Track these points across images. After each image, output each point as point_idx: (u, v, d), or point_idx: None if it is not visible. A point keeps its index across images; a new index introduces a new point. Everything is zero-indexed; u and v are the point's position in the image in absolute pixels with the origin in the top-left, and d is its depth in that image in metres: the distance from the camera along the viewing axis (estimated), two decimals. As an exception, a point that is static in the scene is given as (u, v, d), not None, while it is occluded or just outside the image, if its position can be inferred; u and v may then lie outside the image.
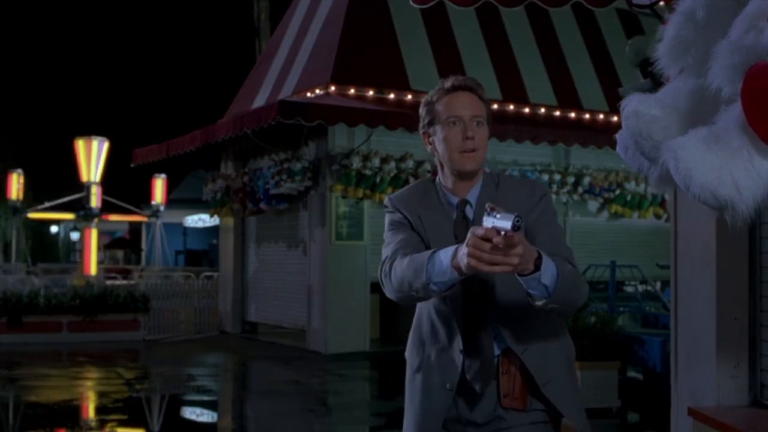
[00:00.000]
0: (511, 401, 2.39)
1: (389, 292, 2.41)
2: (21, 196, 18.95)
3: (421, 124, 2.52)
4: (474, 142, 2.39)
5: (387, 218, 2.55)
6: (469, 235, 2.05)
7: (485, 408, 2.42)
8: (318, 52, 13.82)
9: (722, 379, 4.48)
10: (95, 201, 17.59)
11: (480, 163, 2.44)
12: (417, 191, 2.55)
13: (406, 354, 2.61)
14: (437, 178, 2.54)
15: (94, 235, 17.80)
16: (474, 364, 2.39)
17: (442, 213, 2.46)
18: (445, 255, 2.19)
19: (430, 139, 2.48)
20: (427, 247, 2.39)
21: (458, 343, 2.42)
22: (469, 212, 2.45)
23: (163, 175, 19.23)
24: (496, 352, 2.41)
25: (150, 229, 20.46)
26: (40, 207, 21.50)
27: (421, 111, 2.51)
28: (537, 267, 2.11)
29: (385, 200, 2.61)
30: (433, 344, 2.48)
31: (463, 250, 2.07)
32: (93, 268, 17.71)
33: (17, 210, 19.07)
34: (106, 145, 17.91)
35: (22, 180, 18.80)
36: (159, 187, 19.52)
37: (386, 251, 2.47)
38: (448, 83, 2.45)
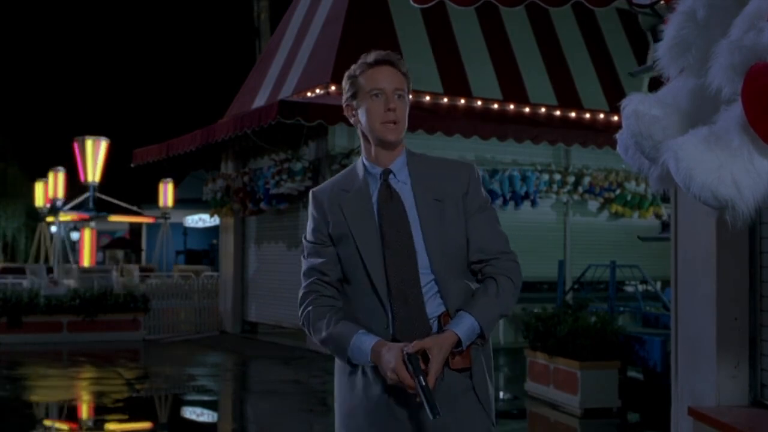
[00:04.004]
0: (460, 362, 2.41)
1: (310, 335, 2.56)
2: (63, 195, 18.83)
3: (344, 98, 2.59)
4: (395, 114, 2.48)
5: (309, 215, 2.61)
6: (390, 368, 2.29)
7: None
8: (318, 52, 13.82)
9: (722, 379, 4.48)
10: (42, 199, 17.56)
11: (401, 134, 2.52)
12: (341, 176, 2.64)
13: None
14: (361, 156, 2.61)
15: (87, 235, 17.82)
16: (407, 333, 2.40)
17: (363, 193, 2.53)
18: (367, 344, 2.37)
19: (354, 111, 2.56)
20: (352, 236, 2.46)
21: (384, 317, 2.43)
22: (393, 181, 2.52)
23: (170, 179, 19.27)
24: (432, 315, 2.44)
25: (159, 230, 20.47)
26: (67, 207, 21.31)
27: (344, 85, 2.58)
28: (460, 343, 2.36)
29: (309, 194, 2.66)
30: (360, 322, 2.47)
31: (385, 368, 2.31)
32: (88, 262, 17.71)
33: (57, 210, 18.94)
34: (104, 144, 17.94)
35: (62, 178, 18.72)
36: (169, 191, 19.63)
37: (304, 268, 2.58)
38: (370, 57, 2.54)
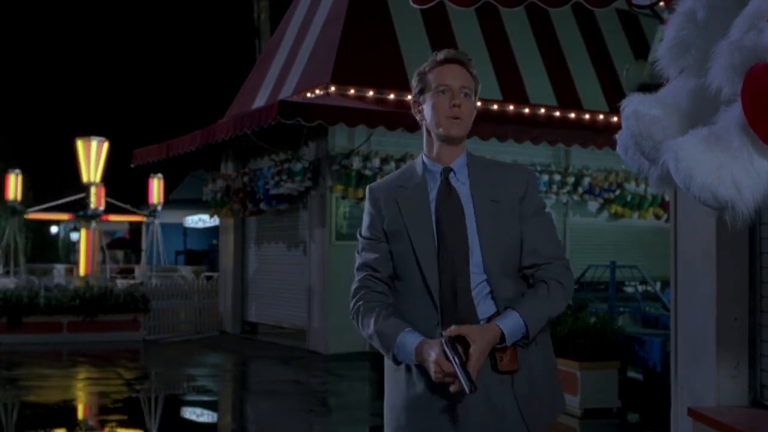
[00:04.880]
0: (508, 364, 2.41)
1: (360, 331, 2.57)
2: (19, 197, 18.84)
3: (412, 94, 2.62)
4: (460, 110, 2.51)
5: (365, 211, 2.64)
6: (432, 360, 2.29)
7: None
8: (318, 52, 13.82)
9: (722, 379, 4.48)
10: (94, 201, 17.56)
11: (465, 130, 2.54)
12: (399, 172, 2.66)
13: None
14: (422, 153, 2.63)
15: (86, 235, 17.78)
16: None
17: (421, 190, 2.54)
18: (411, 343, 2.38)
19: (420, 108, 2.59)
20: (407, 232, 2.47)
21: (435, 314, 2.43)
22: (453, 180, 2.54)
23: (160, 175, 19.18)
24: (483, 317, 2.43)
25: (149, 229, 20.40)
26: (39, 207, 21.42)
27: (413, 82, 2.61)
28: (504, 338, 2.37)
29: (366, 189, 2.67)
30: (409, 319, 2.47)
31: (429, 363, 2.31)
32: (90, 268, 17.72)
33: (16, 210, 18.94)
34: (105, 145, 17.92)
35: (20, 180, 18.70)
36: (156, 186, 19.52)
37: (357, 263, 2.60)
38: (440, 56, 2.57)
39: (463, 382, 2.22)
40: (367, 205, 2.62)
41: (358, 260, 2.60)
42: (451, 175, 2.54)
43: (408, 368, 2.46)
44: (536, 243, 2.51)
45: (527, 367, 2.46)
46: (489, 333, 2.34)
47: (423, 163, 2.60)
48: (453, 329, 2.31)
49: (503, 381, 2.42)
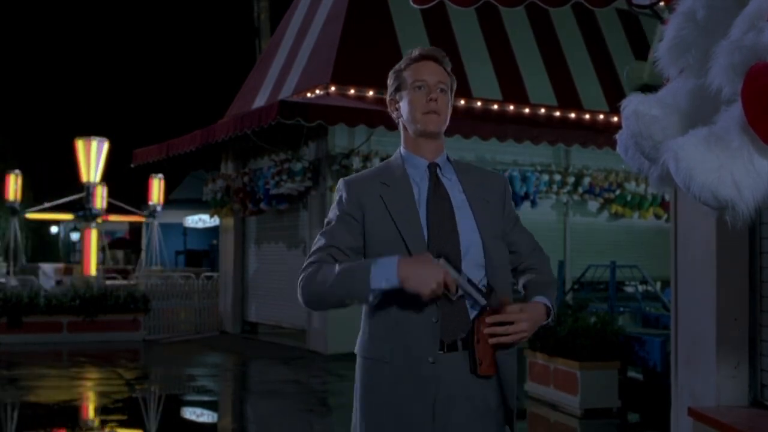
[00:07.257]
0: (487, 368, 2.42)
1: (304, 297, 2.43)
2: (19, 197, 18.85)
3: (388, 92, 2.61)
4: (437, 105, 2.49)
5: (334, 202, 2.55)
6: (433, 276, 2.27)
7: (455, 378, 2.40)
8: (318, 52, 13.82)
9: (722, 379, 4.48)
10: (100, 202, 17.57)
11: (441, 126, 2.53)
12: (377, 169, 2.61)
13: (360, 348, 2.52)
14: (399, 150, 2.61)
15: (94, 235, 17.80)
16: (449, 327, 2.39)
17: (404, 185, 2.50)
18: (391, 261, 2.30)
19: (396, 105, 2.58)
20: (395, 226, 2.43)
21: (434, 310, 2.38)
22: (439, 175, 2.52)
23: (160, 175, 19.20)
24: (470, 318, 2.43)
25: (148, 229, 20.42)
26: (38, 207, 21.39)
27: (390, 80, 2.61)
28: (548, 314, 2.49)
29: (339, 182, 2.60)
30: (404, 324, 2.39)
31: (426, 279, 2.25)
32: (93, 269, 17.72)
33: (16, 211, 18.94)
34: (106, 145, 17.94)
35: (20, 181, 18.72)
36: (156, 186, 19.54)
37: (321, 243, 2.47)
38: (415, 53, 2.57)
39: (474, 294, 2.32)
40: (342, 195, 2.51)
41: (321, 241, 2.47)
42: (438, 170, 2.53)
43: (387, 367, 2.40)
44: (531, 243, 2.65)
45: (514, 366, 2.53)
46: (538, 309, 2.45)
47: (402, 158, 2.56)
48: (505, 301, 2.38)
49: (482, 383, 2.44)
